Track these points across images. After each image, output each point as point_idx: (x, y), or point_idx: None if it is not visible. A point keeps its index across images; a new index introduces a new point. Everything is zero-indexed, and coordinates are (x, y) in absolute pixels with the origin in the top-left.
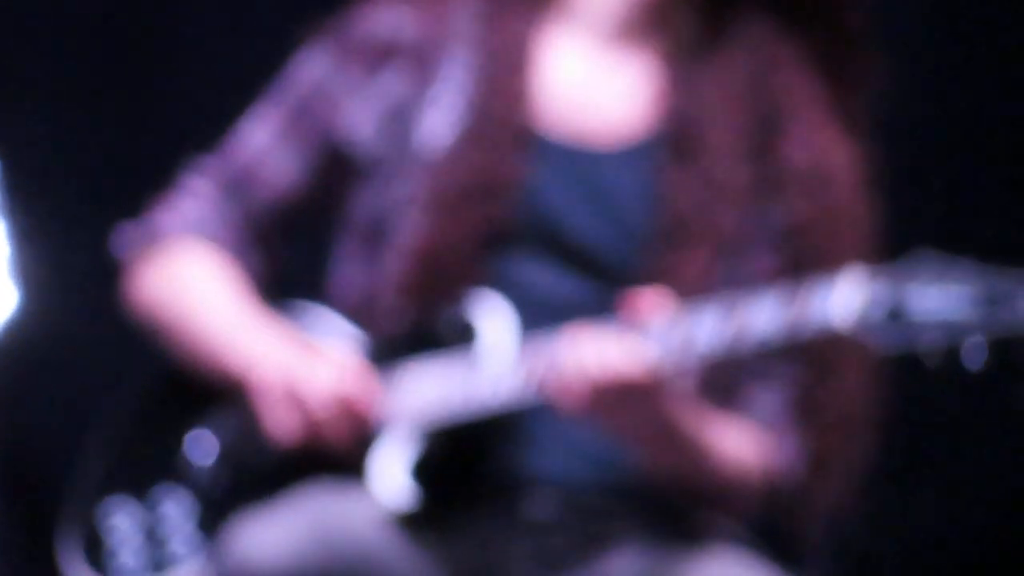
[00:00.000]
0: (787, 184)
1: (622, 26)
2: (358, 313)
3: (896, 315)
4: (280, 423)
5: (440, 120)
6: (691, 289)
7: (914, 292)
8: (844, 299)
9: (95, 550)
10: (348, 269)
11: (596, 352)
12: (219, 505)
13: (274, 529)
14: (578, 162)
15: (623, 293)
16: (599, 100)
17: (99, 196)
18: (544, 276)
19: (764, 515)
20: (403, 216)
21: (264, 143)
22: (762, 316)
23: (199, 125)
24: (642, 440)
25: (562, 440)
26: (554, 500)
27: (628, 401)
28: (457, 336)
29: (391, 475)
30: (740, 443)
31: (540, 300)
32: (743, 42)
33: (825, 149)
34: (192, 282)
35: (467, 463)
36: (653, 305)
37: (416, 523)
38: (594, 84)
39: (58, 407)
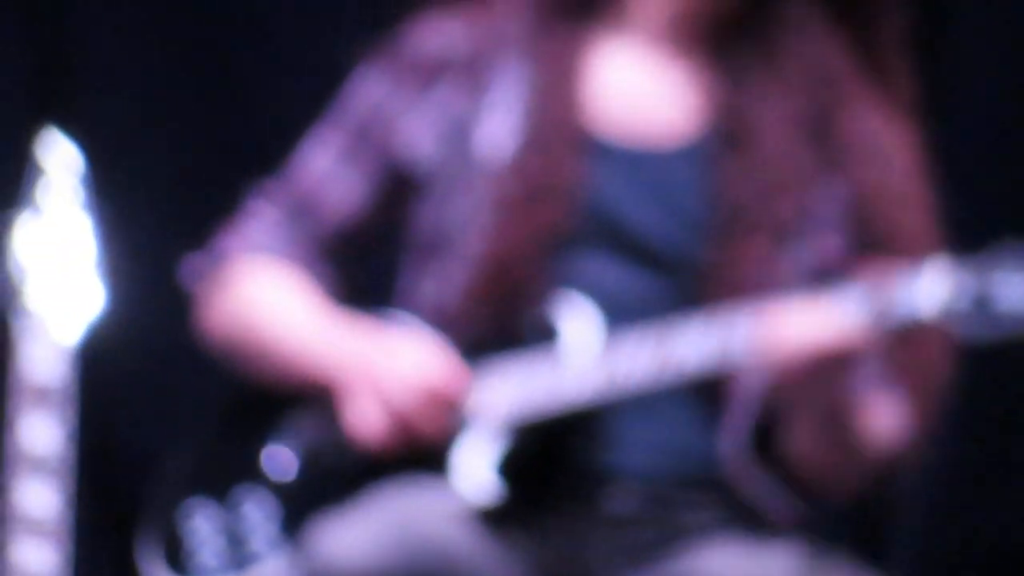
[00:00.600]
0: (849, 160)
1: (672, 30)
2: (432, 325)
3: (982, 305)
4: (365, 420)
5: (498, 129)
6: (756, 276)
7: (999, 281)
8: (930, 289)
9: (175, 551)
10: (417, 283)
11: (804, 324)
12: (301, 505)
13: (357, 528)
14: (636, 162)
15: (690, 286)
16: (653, 101)
17: (186, 200)
18: (611, 273)
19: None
20: (469, 225)
21: (327, 167)
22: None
23: (282, 133)
24: (820, 409)
25: (643, 434)
26: (636, 494)
27: (832, 368)
28: (541, 336)
29: (476, 471)
30: (889, 414)
31: (610, 297)
32: (793, 31)
33: (883, 128)
34: (263, 295)
35: (550, 459)
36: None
37: (500, 519)
38: (647, 86)
39: (142, 407)
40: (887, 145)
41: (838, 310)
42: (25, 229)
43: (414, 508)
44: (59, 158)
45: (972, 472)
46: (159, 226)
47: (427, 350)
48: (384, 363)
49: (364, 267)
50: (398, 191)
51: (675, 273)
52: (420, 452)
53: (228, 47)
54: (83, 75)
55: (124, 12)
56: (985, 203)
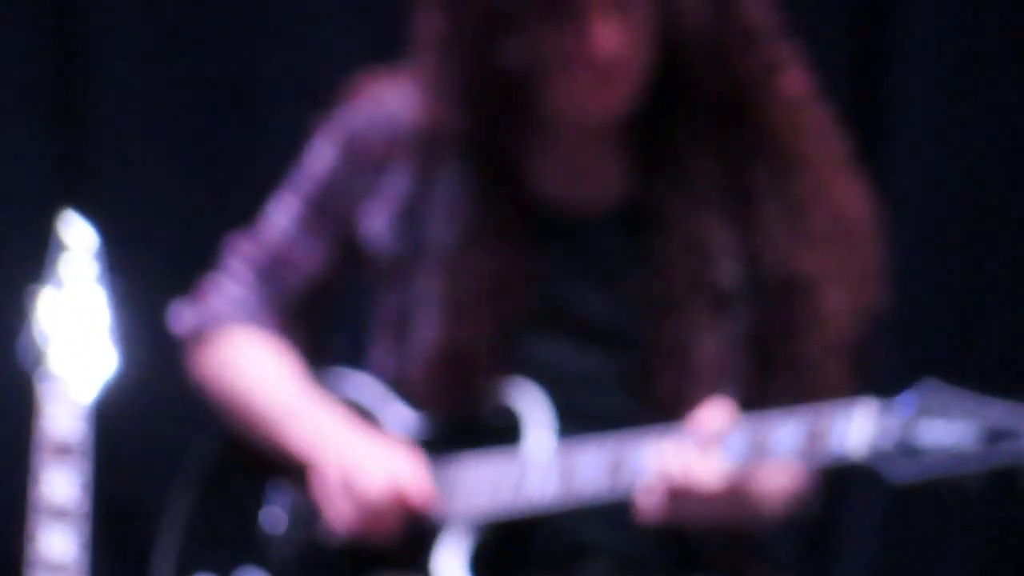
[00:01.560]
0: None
1: (588, 130)
2: (395, 392)
3: (906, 447)
4: (337, 512)
5: (447, 217)
6: (699, 348)
7: (923, 425)
8: (859, 430)
9: None
10: (381, 356)
11: (679, 464)
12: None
13: None
14: (573, 231)
15: (640, 361)
16: (582, 183)
17: (188, 266)
18: (562, 352)
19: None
20: (424, 313)
21: (290, 231)
22: (784, 437)
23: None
24: (708, 523)
25: (611, 509)
26: (609, 566)
27: (704, 503)
28: (502, 426)
29: (451, 570)
30: (781, 482)
31: (563, 376)
32: (701, 124)
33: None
34: (248, 366)
35: (522, 542)
36: (721, 418)
37: None
38: (576, 173)
39: (151, 459)
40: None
41: (716, 453)
42: (47, 300)
43: None
44: (77, 237)
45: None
46: (164, 297)
47: (398, 458)
48: (358, 464)
49: (327, 325)
50: (356, 257)
51: (623, 348)
52: (392, 550)
53: (225, 136)
54: (99, 165)
55: (138, 112)
56: (905, 343)
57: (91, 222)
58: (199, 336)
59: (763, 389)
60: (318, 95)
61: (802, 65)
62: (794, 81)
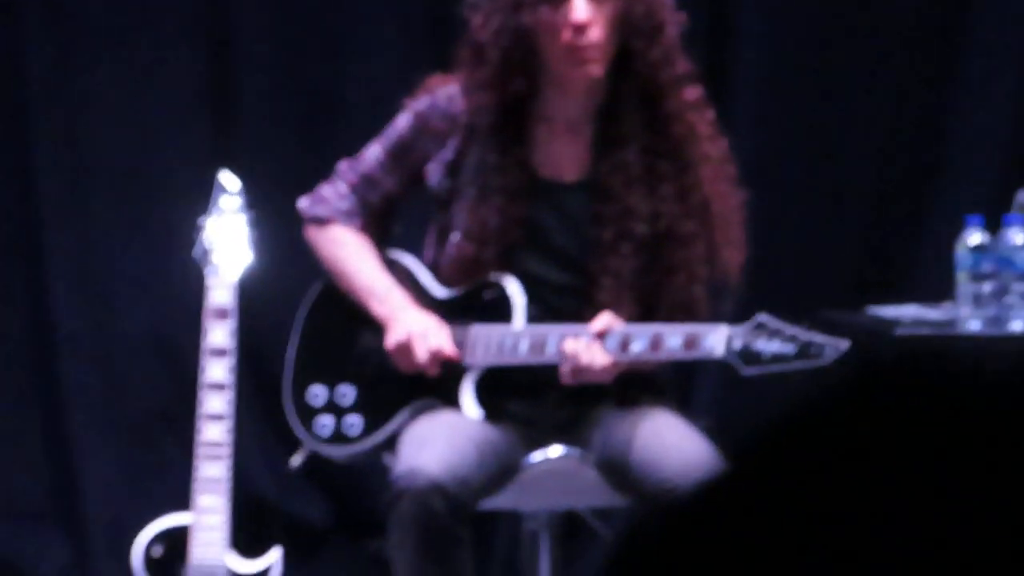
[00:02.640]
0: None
1: (567, 118)
2: (433, 274)
3: (748, 353)
4: (397, 359)
5: (476, 174)
6: (623, 274)
7: (759, 340)
8: (718, 340)
9: (306, 418)
10: (428, 250)
11: (575, 349)
12: (376, 397)
13: (435, 441)
14: (553, 191)
15: (586, 280)
16: (561, 161)
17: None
18: (540, 268)
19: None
20: (456, 231)
21: (376, 164)
22: (673, 343)
23: (360, 136)
24: (600, 379)
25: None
26: (557, 395)
27: (591, 373)
28: (498, 305)
29: (467, 398)
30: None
31: (540, 282)
32: (630, 114)
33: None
34: (346, 253)
35: (506, 379)
36: (605, 322)
37: (490, 416)
38: (557, 154)
39: (276, 319)
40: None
41: (600, 345)
42: (211, 222)
43: (457, 421)
44: (229, 183)
45: None
46: (281, 219)
47: (432, 323)
48: (416, 333)
49: (393, 224)
50: (415, 189)
51: (579, 270)
52: (433, 382)
53: (334, 88)
54: (243, 137)
55: (271, 101)
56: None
57: (238, 174)
58: (314, 218)
59: (655, 304)
60: (388, 88)
61: (696, 78)
62: (692, 92)
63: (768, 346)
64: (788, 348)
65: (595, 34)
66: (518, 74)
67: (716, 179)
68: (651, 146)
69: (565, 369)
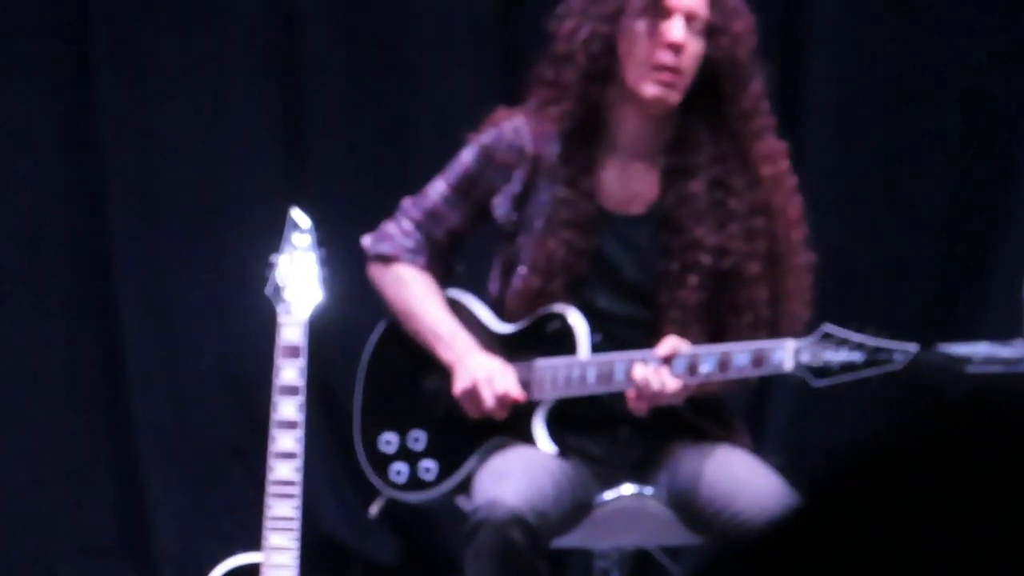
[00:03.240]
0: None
1: (636, 149)
2: (497, 309)
3: (816, 366)
4: (468, 404)
5: (544, 208)
6: (690, 306)
7: (826, 351)
8: (787, 354)
9: (379, 465)
10: (494, 283)
11: (651, 377)
12: (448, 440)
13: (512, 475)
14: (619, 224)
15: (654, 312)
16: (627, 193)
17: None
18: (608, 300)
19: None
20: (523, 265)
21: (440, 200)
22: (741, 360)
23: (426, 172)
24: (670, 403)
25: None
26: (629, 429)
27: (662, 398)
28: (562, 337)
29: (540, 433)
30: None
31: (606, 315)
32: (701, 149)
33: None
34: (410, 295)
35: (578, 412)
36: (673, 345)
37: (563, 452)
38: (623, 186)
39: (346, 359)
40: (760, 231)
41: (668, 370)
42: (283, 259)
43: (534, 456)
44: (301, 222)
45: None
46: (347, 260)
47: (497, 366)
48: (481, 379)
49: (457, 261)
50: (482, 222)
51: (645, 302)
52: (504, 423)
53: (403, 123)
54: (314, 178)
55: (339, 141)
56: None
57: (309, 213)
58: (378, 256)
59: (720, 334)
60: (456, 124)
61: (767, 104)
62: (766, 120)
63: (836, 356)
64: (857, 356)
65: (685, 61)
66: (598, 84)
67: (789, 233)
68: (721, 181)
69: (635, 396)
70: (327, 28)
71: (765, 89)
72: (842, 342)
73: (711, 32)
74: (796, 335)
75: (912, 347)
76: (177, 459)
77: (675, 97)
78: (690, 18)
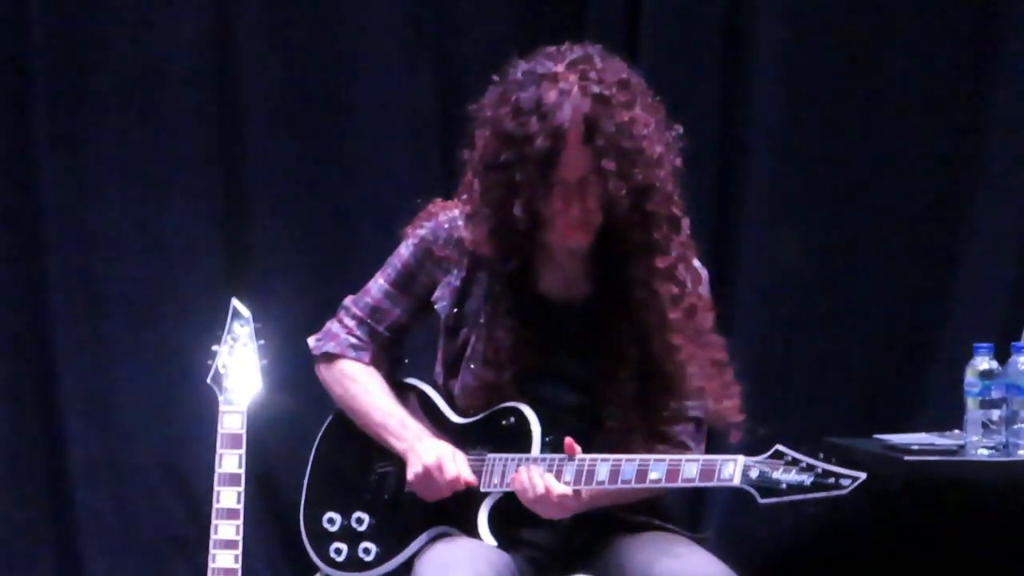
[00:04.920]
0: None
1: (571, 256)
2: (447, 399)
3: (765, 483)
4: (419, 491)
5: (484, 301)
6: (624, 395)
7: (775, 472)
8: (735, 471)
9: (320, 545)
10: (438, 377)
11: (525, 481)
12: (391, 525)
13: (455, 556)
14: (559, 312)
15: (595, 400)
16: (565, 284)
17: (303, 331)
18: (552, 390)
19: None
20: (469, 360)
21: (384, 294)
22: (689, 471)
23: (369, 269)
24: (572, 511)
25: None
26: (567, 524)
27: (550, 504)
28: (516, 432)
29: (483, 523)
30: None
31: (552, 404)
32: (626, 241)
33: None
34: (360, 388)
35: (524, 507)
36: (574, 448)
37: (507, 545)
38: (561, 277)
39: (287, 446)
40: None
41: (563, 472)
42: (224, 348)
43: (477, 549)
44: (241, 311)
45: None
46: (288, 348)
47: (447, 450)
48: (427, 456)
49: (402, 354)
50: (423, 316)
51: (588, 390)
52: (450, 508)
53: (342, 213)
54: (255, 268)
55: (280, 232)
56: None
57: (249, 304)
58: (323, 355)
59: (651, 421)
60: (397, 217)
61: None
62: (666, 260)
63: (786, 476)
64: (805, 478)
65: (593, 214)
66: (529, 229)
67: (687, 344)
68: (646, 279)
69: (528, 500)
70: (267, 120)
71: (677, 184)
72: (792, 463)
73: (604, 174)
74: (730, 434)
75: (860, 475)
76: (119, 549)
77: (591, 238)
78: (584, 178)
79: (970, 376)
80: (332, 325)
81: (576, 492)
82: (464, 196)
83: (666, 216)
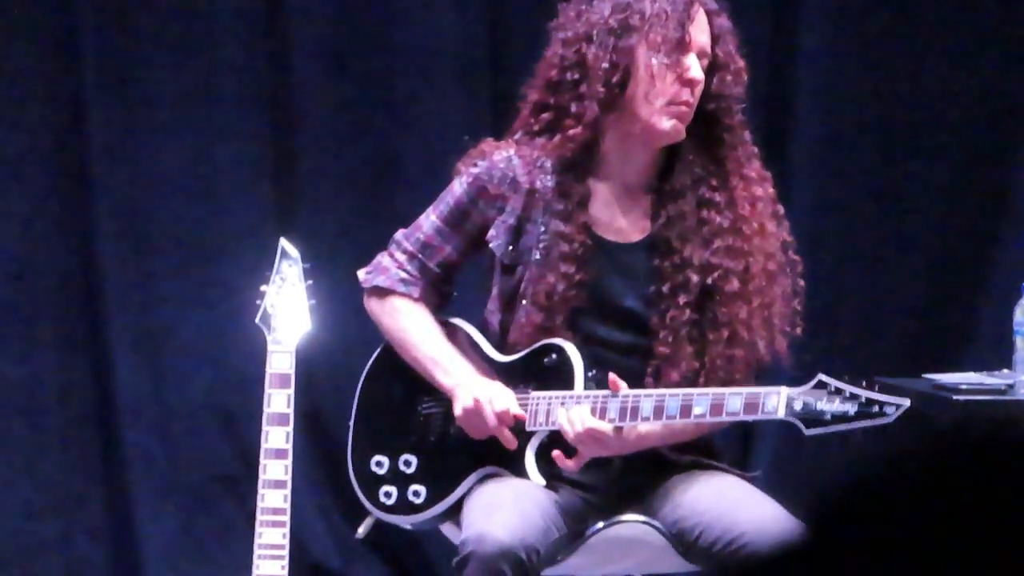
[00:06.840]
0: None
1: (629, 177)
2: (497, 340)
3: (808, 414)
4: (467, 426)
5: (539, 239)
6: (680, 326)
7: (821, 402)
8: (782, 403)
9: (370, 487)
10: (494, 315)
11: (569, 420)
12: (438, 467)
13: (503, 509)
14: (613, 252)
15: (648, 337)
16: (620, 222)
17: (351, 269)
18: (606, 330)
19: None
20: (522, 297)
21: (436, 231)
22: (733, 405)
23: (419, 202)
24: (616, 451)
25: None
26: (616, 463)
27: (596, 443)
28: (559, 370)
29: (530, 463)
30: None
31: (605, 343)
32: (689, 171)
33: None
34: (409, 322)
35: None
36: (617, 384)
37: (555, 484)
38: (616, 216)
39: (334, 385)
40: (748, 249)
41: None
42: (272, 289)
43: (524, 489)
44: (290, 251)
45: None
46: (336, 290)
47: (497, 387)
48: (482, 400)
49: (451, 290)
50: (475, 253)
51: (639, 328)
52: (498, 448)
53: (390, 153)
54: (301, 210)
55: (328, 174)
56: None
57: (298, 244)
58: (373, 288)
59: (703, 352)
60: (444, 157)
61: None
62: (750, 148)
63: (829, 406)
64: (849, 407)
65: (696, 96)
66: (611, 113)
67: (769, 259)
68: (708, 200)
69: (567, 437)
70: (316, 61)
71: (749, 119)
72: (836, 392)
73: (714, 67)
74: (779, 362)
75: (904, 401)
76: (167, 489)
77: (684, 131)
78: (701, 54)
79: (1019, 315)
80: (383, 259)
81: (618, 430)
82: (525, 124)
83: (742, 138)
